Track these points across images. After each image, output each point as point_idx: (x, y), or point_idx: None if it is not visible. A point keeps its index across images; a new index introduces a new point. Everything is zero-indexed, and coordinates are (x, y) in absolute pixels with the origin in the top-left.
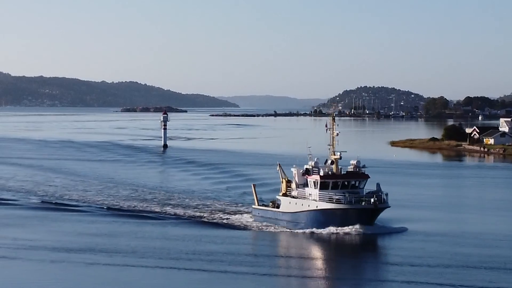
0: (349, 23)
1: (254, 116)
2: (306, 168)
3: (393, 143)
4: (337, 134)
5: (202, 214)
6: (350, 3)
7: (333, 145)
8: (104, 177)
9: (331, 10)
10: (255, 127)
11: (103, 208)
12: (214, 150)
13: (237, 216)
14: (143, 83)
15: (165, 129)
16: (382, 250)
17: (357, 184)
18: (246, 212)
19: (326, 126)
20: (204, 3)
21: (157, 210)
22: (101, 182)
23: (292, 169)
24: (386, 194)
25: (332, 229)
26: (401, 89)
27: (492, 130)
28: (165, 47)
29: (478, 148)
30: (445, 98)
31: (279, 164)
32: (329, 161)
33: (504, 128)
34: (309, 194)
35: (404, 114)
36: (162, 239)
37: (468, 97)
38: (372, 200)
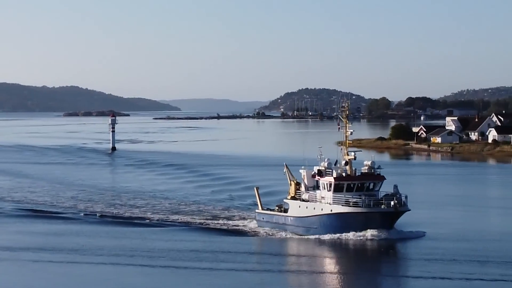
0: (289, 25)
1: (197, 118)
2: (318, 170)
3: (340, 143)
4: (351, 133)
5: (206, 220)
6: (290, 5)
7: (346, 145)
8: (58, 179)
9: (271, 13)
10: (211, 129)
11: (94, 214)
12: (181, 153)
13: (240, 221)
14: (85, 88)
15: (113, 131)
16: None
17: (371, 187)
18: (245, 218)
19: (338, 125)
20: (145, 6)
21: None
22: (66, 185)
23: (301, 171)
24: (406, 197)
25: (348, 234)
26: (343, 91)
27: (439, 129)
28: (107, 51)
29: (425, 146)
30: (387, 99)
31: (286, 165)
32: (343, 162)
33: (450, 126)
34: (322, 197)
35: (337, 114)
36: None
37: (410, 97)
38: (392, 203)
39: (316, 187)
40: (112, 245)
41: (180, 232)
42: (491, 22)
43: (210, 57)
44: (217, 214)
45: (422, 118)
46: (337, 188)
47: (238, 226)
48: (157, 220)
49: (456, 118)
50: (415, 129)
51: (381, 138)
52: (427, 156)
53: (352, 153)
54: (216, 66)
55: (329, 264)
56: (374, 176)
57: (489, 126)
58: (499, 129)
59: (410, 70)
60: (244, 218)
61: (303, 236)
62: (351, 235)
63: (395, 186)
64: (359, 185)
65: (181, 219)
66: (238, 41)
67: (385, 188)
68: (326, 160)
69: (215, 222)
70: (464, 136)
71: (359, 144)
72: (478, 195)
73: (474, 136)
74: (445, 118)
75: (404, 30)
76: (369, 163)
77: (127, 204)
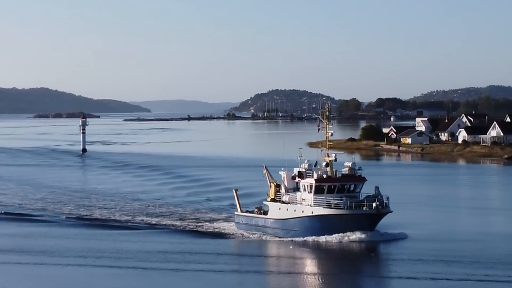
0: (258, 26)
1: (168, 120)
2: (298, 171)
3: (311, 144)
4: (331, 134)
5: (184, 222)
6: (260, 6)
7: (327, 146)
8: (27, 181)
9: (241, 14)
10: (183, 130)
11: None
12: (155, 154)
13: (219, 223)
14: (55, 89)
15: (83, 133)
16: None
17: (352, 188)
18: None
19: (318, 126)
20: (115, 7)
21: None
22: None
23: (281, 173)
24: (388, 198)
25: (329, 236)
26: (313, 92)
27: (409, 130)
28: (76, 52)
29: (395, 147)
30: (357, 100)
31: (265, 167)
32: (324, 163)
33: (421, 127)
34: (302, 199)
35: (317, 116)
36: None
37: (380, 98)
38: (374, 204)
39: (296, 189)
40: (80, 246)
41: (155, 235)
42: (460, 24)
43: (181, 59)
44: (194, 216)
45: (392, 119)
46: (318, 190)
47: (216, 228)
48: (128, 221)
49: (426, 118)
50: (385, 130)
51: (351, 139)
52: (397, 156)
53: (333, 154)
54: (187, 67)
55: (308, 265)
56: (355, 178)
57: (459, 126)
58: (469, 130)
59: (380, 71)
60: (222, 220)
61: (283, 239)
62: (332, 237)
63: (377, 188)
64: (340, 186)
65: (157, 221)
66: (208, 42)
67: (365, 190)
68: (306, 161)
69: (192, 224)
70: (434, 137)
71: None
72: (450, 195)
73: (444, 136)
74: (415, 119)
75: (374, 32)
76: (349, 164)
77: (96, 206)
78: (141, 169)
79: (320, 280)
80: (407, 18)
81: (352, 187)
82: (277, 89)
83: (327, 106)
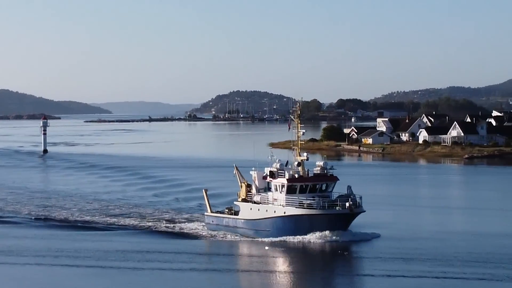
0: (219, 28)
1: (129, 121)
2: (270, 171)
3: (273, 145)
4: (303, 134)
5: (149, 223)
6: (220, 7)
7: (298, 146)
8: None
9: (200, 15)
10: (145, 132)
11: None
12: (118, 155)
13: (188, 224)
14: (15, 91)
15: (45, 134)
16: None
17: (324, 188)
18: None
19: (289, 125)
20: (76, 8)
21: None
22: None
23: (252, 172)
24: (360, 197)
25: (302, 236)
26: (274, 93)
27: (370, 130)
28: (37, 53)
29: (356, 147)
30: (318, 101)
31: (236, 167)
32: (295, 163)
33: (382, 127)
34: (274, 199)
35: (278, 117)
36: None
37: (341, 99)
38: (347, 204)
39: (268, 188)
40: (39, 246)
41: (120, 235)
42: (420, 26)
43: (142, 60)
44: (161, 217)
45: (353, 119)
46: (290, 190)
47: (184, 229)
48: (90, 221)
49: (387, 119)
50: (346, 131)
51: (312, 140)
52: (358, 157)
53: (305, 154)
54: (148, 69)
55: (279, 264)
56: (327, 177)
57: (419, 127)
58: (429, 130)
59: (341, 73)
60: (188, 221)
61: (255, 239)
62: (305, 238)
63: (349, 187)
64: (312, 186)
65: (122, 222)
66: (169, 43)
67: (337, 189)
68: (277, 161)
69: (160, 225)
70: (395, 137)
71: (291, 145)
72: (412, 195)
73: (405, 137)
74: (375, 119)
75: (335, 33)
76: (321, 163)
77: (57, 206)
78: (106, 170)
79: (291, 278)
80: (367, 20)
81: (324, 187)
82: (238, 90)
83: (298, 105)
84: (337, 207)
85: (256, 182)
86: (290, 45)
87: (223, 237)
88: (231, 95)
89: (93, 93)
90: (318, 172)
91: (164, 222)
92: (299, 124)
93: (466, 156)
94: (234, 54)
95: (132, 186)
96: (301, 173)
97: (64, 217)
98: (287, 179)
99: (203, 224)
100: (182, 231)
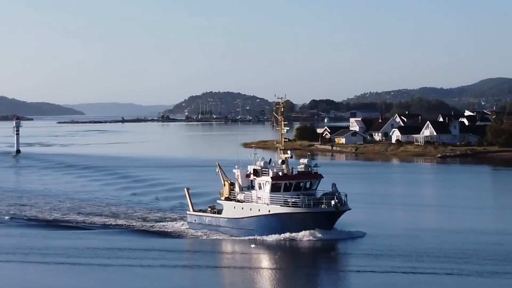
0: (191, 28)
1: (102, 122)
2: (254, 169)
3: (246, 145)
4: (287, 131)
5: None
6: (190, 8)
7: (282, 143)
8: None
9: (172, 16)
10: (121, 132)
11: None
12: (98, 156)
13: (172, 223)
14: None
15: (17, 134)
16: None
17: (308, 186)
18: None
19: (273, 123)
20: (47, 9)
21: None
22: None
23: (234, 170)
24: (346, 195)
25: (287, 235)
26: (247, 94)
27: (343, 130)
28: (8, 55)
29: (329, 147)
30: (291, 102)
31: (218, 165)
32: (279, 161)
33: (355, 127)
34: (258, 197)
35: (251, 118)
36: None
37: (314, 100)
38: (332, 202)
39: (251, 187)
40: (9, 244)
41: (102, 235)
42: (392, 27)
43: (114, 61)
44: (143, 216)
45: (325, 120)
46: (274, 188)
47: (167, 228)
48: (61, 220)
49: (360, 119)
50: (319, 130)
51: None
52: (332, 156)
53: (289, 152)
54: (120, 70)
55: (262, 261)
56: (311, 175)
57: (392, 126)
58: (402, 130)
59: (314, 73)
60: (173, 220)
61: (239, 238)
62: (290, 236)
63: (334, 185)
64: (296, 184)
65: (101, 221)
66: (142, 44)
67: (321, 187)
68: (260, 159)
69: (142, 224)
70: (368, 137)
71: (264, 145)
72: (386, 193)
73: (377, 136)
74: (348, 120)
75: (307, 34)
76: (305, 161)
77: (27, 204)
78: (84, 170)
79: (275, 275)
80: (339, 21)
81: (308, 185)
82: (211, 91)
83: (281, 102)
84: (322, 205)
85: (239, 180)
86: (262, 46)
87: (206, 236)
88: (204, 96)
89: (65, 95)
90: (302, 170)
91: (141, 220)
92: (282, 122)
93: (439, 155)
94: (207, 55)
95: (110, 185)
96: (285, 171)
97: (34, 216)
98: (271, 177)
99: (185, 223)
100: (161, 230)
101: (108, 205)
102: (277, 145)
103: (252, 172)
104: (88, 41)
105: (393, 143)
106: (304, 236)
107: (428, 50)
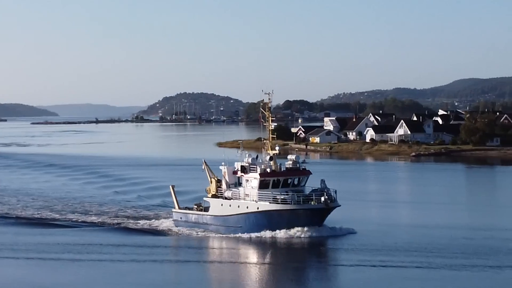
0: (163, 29)
1: (76, 123)
2: (241, 166)
3: (220, 144)
4: (274, 127)
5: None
6: (164, 9)
7: (270, 140)
8: None
9: (145, 17)
10: (95, 133)
11: None
12: (76, 156)
13: (157, 221)
14: None
15: None
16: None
17: (296, 182)
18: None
19: (260, 119)
20: (19, 13)
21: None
22: None
23: (221, 167)
24: (335, 192)
25: (276, 232)
26: (221, 95)
27: (318, 129)
28: None
29: (303, 146)
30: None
31: (205, 162)
32: (267, 157)
33: (329, 126)
34: (246, 194)
35: (225, 118)
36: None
37: (288, 100)
38: (322, 198)
39: (238, 184)
40: None
41: (88, 232)
42: (365, 29)
43: (88, 62)
44: (128, 214)
45: (299, 120)
46: (263, 185)
47: (151, 226)
48: (33, 218)
49: (334, 118)
50: (294, 130)
51: (260, 139)
52: (306, 155)
53: (277, 148)
54: (95, 71)
55: (249, 257)
56: (300, 171)
57: (366, 126)
58: (376, 129)
59: (288, 74)
60: (157, 218)
61: (227, 235)
62: (279, 233)
63: (323, 181)
64: (285, 181)
65: (87, 219)
66: (116, 46)
67: (309, 183)
68: (248, 155)
69: (127, 221)
70: (343, 136)
71: (238, 144)
72: (360, 190)
73: (352, 135)
74: (322, 120)
75: (280, 36)
76: (293, 157)
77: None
78: (64, 169)
79: (262, 269)
80: (312, 22)
81: (296, 181)
82: (185, 92)
83: (268, 98)
84: (312, 202)
85: (226, 177)
86: (236, 47)
87: (192, 234)
88: (178, 97)
89: (39, 96)
90: (290, 166)
91: (126, 218)
92: (270, 118)
93: (413, 154)
94: (181, 56)
95: (91, 184)
96: (273, 168)
97: (5, 213)
98: (259, 174)
99: (171, 221)
100: (146, 228)
101: (90, 204)
102: (264, 141)
103: (239, 169)
104: (61, 43)
105: (367, 142)
106: (293, 233)
107: (401, 51)
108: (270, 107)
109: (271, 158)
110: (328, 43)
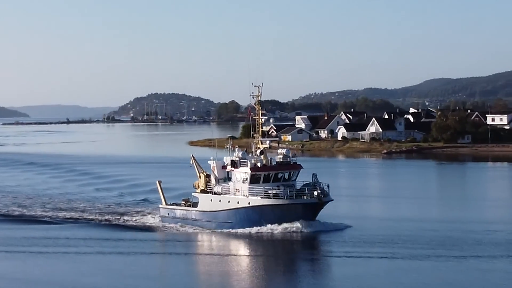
0: (133, 29)
1: (47, 123)
2: (231, 160)
3: (192, 143)
4: (264, 121)
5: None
6: (134, 7)
7: (260, 134)
8: None
9: (116, 17)
10: (68, 133)
11: None
12: (51, 154)
13: (143, 217)
14: None
15: None
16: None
17: (287, 176)
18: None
19: (249, 112)
20: None
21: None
22: None
23: (210, 162)
24: (328, 186)
25: (267, 227)
26: (192, 95)
27: (289, 127)
28: None
29: (275, 144)
30: (237, 103)
31: (193, 157)
32: (258, 151)
33: (301, 125)
34: (236, 189)
35: (196, 118)
36: None
37: (259, 100)
38: (315, 193)
39: (228, 178)
40: None
41: (75, 228)
42: (337, 28)
43: (58, 63)
44: (110, 211)
45: (271, 120)
46: (254, 180)
47: (137, 222)
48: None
49: (306, 117)
50: (265, 128)
51: (232, 137)
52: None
53: (267, 142)
54: (65, 72)
55: (238, 249)
56: (291, 165)
57: (338, 124)
58: (348, 127)
59: (259, 74)
60: (143, 214)
61: (216, 231)
62: (270, 229)
63: (314, 175)
64: (276, 175)
65: (70, 215)
66: (86, 45)
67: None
68: (237, 149)
69: (114, 218)
70: (314, 134)
71: (210, 143)
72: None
73: (323, 134)
74: (293, 120)
75: (251, 36)
76: (283, 151)
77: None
78: (43, 167)
79: (252, 262)
80: (285, 22)
81: (287, 175)
82: (156, 93)
83: (258, 91)
84: (305, 197)
85: (215, 172)
86: (207, 47)
87: (180, 230)
88: (149, 98)
89: (9, 97)
90: (281, 160)
91: (108, 215)
92: (260, 111)
93: (385, 151)
94: (151, 56)
95: (71, 182)
96: (264, 162)
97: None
98: (250, 168)
99: (157, 217)
100: (132, 224)
101: (74, 201)
102: (255, 135)
103: (229, 163)
104: (34, 43)
105: (339, 140)
106: (285, 228)
107: (372, 51)
108: (260, 100)
109: (261, 152)
110: (299, 44)
